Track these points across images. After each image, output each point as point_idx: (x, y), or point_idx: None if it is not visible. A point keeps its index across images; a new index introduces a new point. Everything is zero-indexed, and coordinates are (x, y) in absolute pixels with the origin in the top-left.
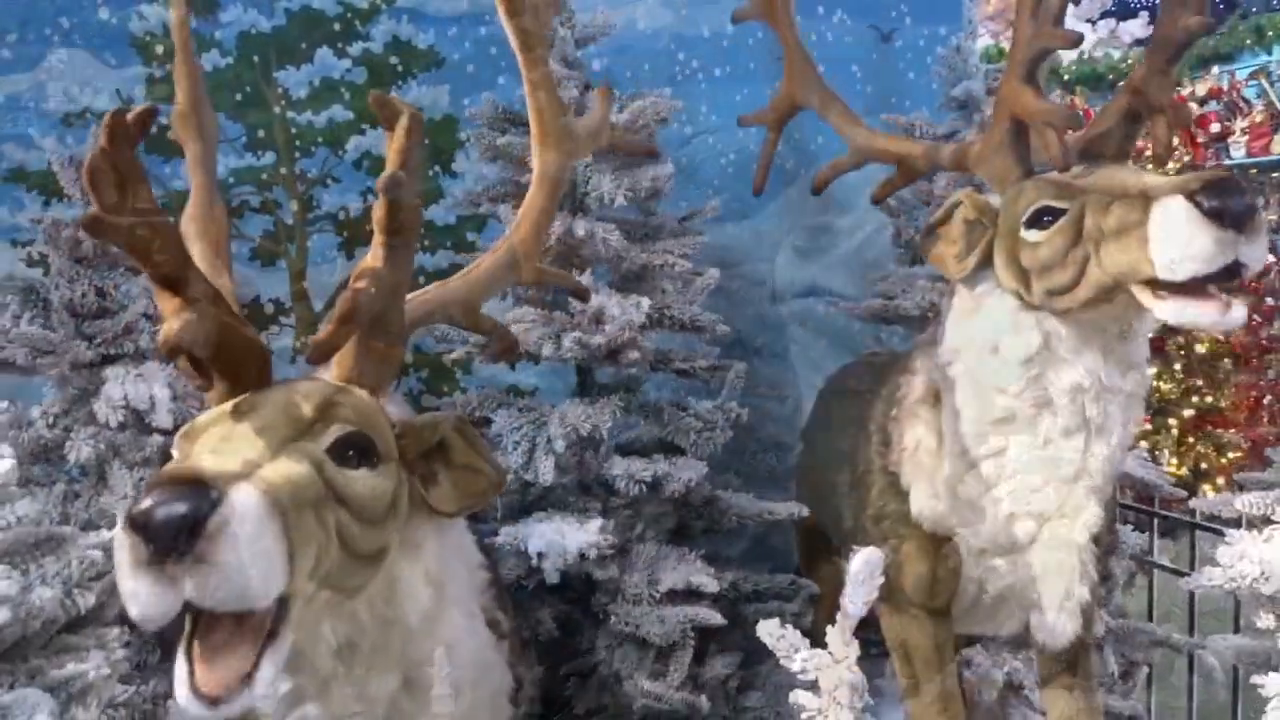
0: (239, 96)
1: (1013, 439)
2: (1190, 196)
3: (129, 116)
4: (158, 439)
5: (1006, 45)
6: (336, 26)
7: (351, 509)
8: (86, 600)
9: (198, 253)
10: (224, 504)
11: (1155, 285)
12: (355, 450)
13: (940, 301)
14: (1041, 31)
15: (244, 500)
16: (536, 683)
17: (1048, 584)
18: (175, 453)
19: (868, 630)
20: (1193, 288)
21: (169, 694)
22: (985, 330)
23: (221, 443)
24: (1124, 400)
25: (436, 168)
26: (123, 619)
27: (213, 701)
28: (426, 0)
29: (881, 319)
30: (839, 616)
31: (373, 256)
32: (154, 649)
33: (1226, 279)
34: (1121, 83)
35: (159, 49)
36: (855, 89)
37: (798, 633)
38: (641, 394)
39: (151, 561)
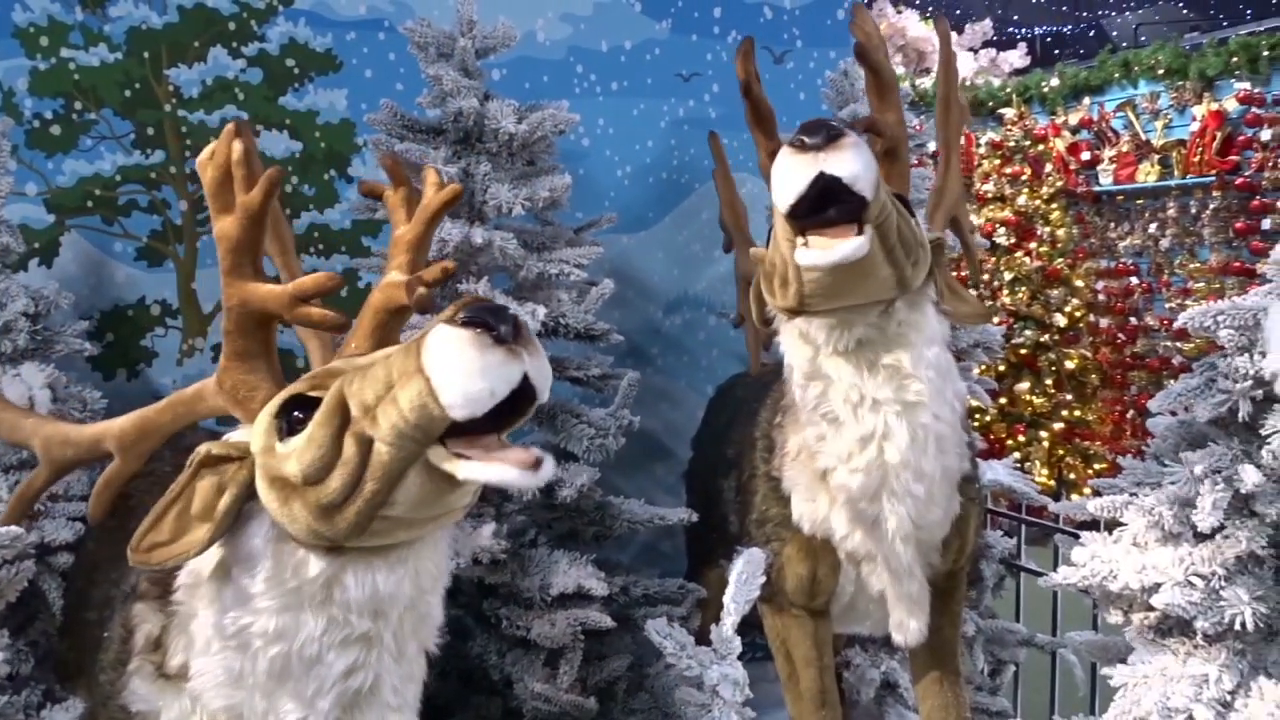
0: (128, 93)
1: (832, 453)
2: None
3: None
4: None
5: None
6: (231, 26)
7: None
8: None
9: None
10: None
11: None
12: None
13: None
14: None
15: None
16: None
17: (892, 585)
18: (316, 392)
19: (753, 634)
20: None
21: (42, 705)
22: (788, 355)
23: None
24: (900, 409)
25: (332, 172)
26: (11, 617)
27: (535, 465)
28: (324, 3)
29: (769, 331)
30: (722, 615)
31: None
32: (27, 658)
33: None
34: (1000, 110)
35: (43, 40)
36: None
37: (684, 631)
38: None
39: (497, 343)
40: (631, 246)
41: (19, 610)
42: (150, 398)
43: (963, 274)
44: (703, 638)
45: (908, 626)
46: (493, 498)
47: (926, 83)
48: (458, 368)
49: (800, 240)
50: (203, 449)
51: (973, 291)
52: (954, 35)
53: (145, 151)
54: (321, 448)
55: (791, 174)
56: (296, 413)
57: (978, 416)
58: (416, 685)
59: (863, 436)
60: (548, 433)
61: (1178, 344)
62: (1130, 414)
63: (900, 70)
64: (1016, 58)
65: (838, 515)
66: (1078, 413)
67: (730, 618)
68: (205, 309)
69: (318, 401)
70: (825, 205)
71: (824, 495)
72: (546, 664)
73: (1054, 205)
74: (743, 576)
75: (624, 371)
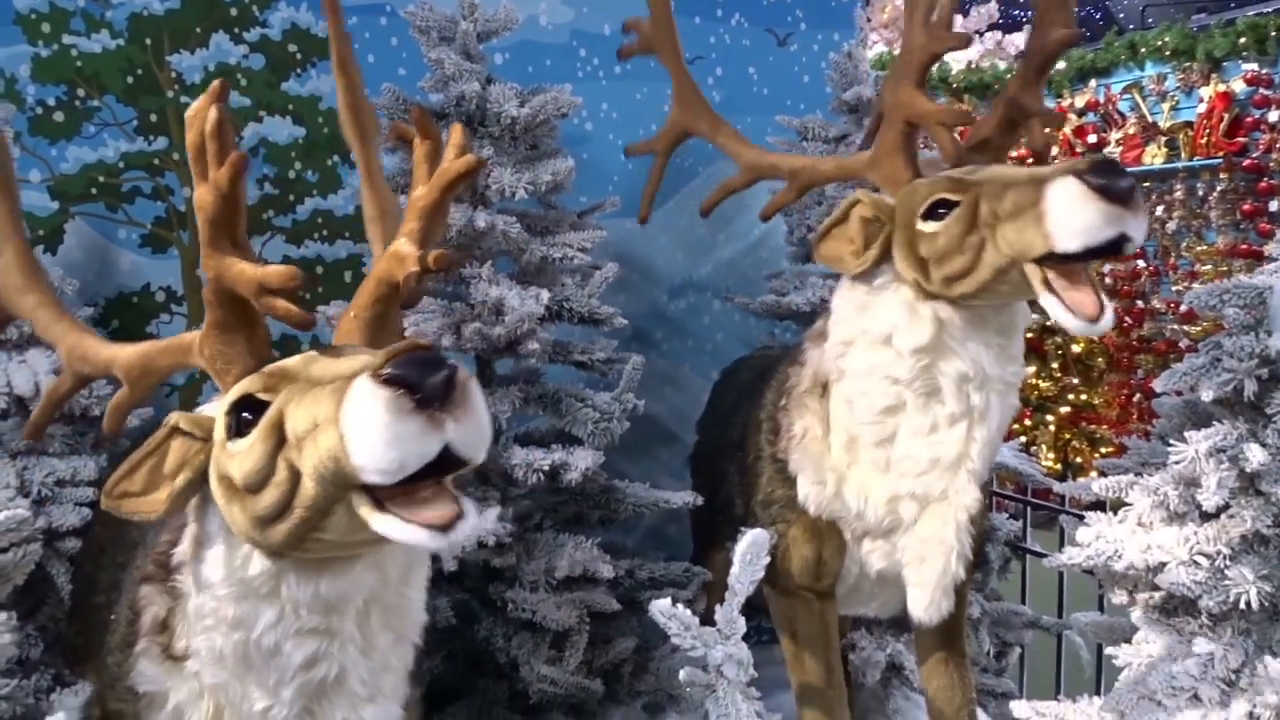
0: (130, 80)
1: (902, 426)
2: (1080, 176)
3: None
4: None
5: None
6: (233, 11)
7: None
8: None
9: (37, 299)
10: (459, 365)
11: (1045, 265)
12: None
13: (831, 297)
14: (934, 35)
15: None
16: (427, 669)
17: (927, 563)
18: (266, 395)
19: (758, 618)
20: (1075, 277)
21: (51, 689)
22: (879, 322)
23: (357, 358)
24: (1003, 390)
25: (335, 157)
26: (20, 601)
27: (445, 529)
28: None
29: (774, 314)
30: (727, 595)
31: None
32: (36, 643)
33: (1114, 252)
34: None
35: (45, 27)
36: (751, 91)
37: (689, 611)
38: (540, 385)
39: (418, 408)
40: (635, 231)
41: (28, 595)
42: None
43: None
44: (708, 620)
45: (940, 606)
46: (497, 482)
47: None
48: (370, 433)
49: (1042, 275)
50: (174, 417)
51: None
52: (959, 19)
53: (148, 138)
54: (258, 462)
55: (1097, 222)
56: (245, 414)
57: None
58: (395, 676)
59: (955, 413)
60: (552, 416)
61: (1185, 327)
62: (1137, 397)
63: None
64: (1021, 40)
65: (878, 492)
66: (1084, 396)
67: (735, 598)
68: None
69: (266, 405)
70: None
71: (832, 477)
72: (552, 646)
73: None
74: (747, 557)
75: (628, 356)
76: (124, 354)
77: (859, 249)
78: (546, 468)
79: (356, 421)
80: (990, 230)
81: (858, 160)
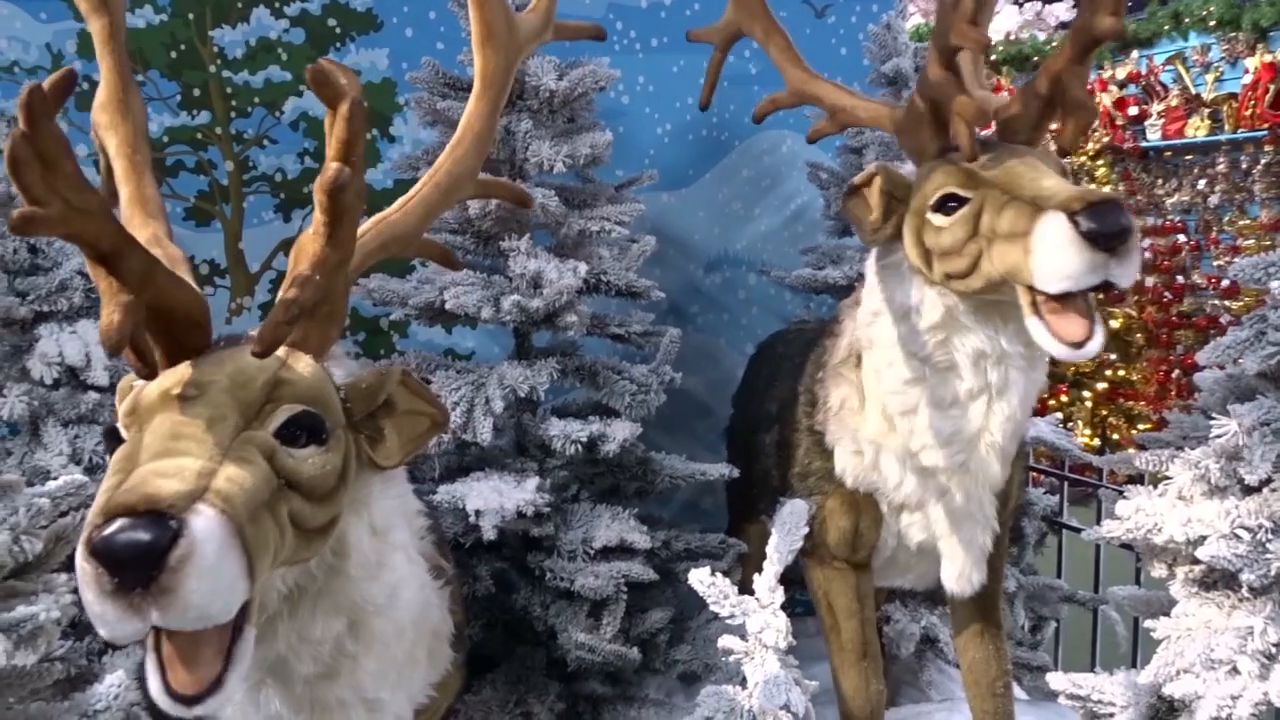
0: (174, 55)
1: (924, 398)
2: (1072, 216)
3: (46, 86)
4: (93, 396)
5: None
6: None
7: (303, 491)
8: (34, 547)
9: (112, 148)
10: (185, 534)
11: (1034, 291)
12: (304, 430)
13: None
14: (957, 28)
15: (204, 528)
16: (469, 635)
17: (956, 535)
18: (123, 429)
19: (794, 589)
20: (1067, 299)
21: (103, 651)
22: (900, 294)
23: (171, 441)
24: (1024, 365)
25: (374, 132)
26: (68, 567)
27: (189, 702)
28: None
29: (810, 288)
30: (765, 564)
31: (315, 234)
32: None
33: (1099, 290)
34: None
35: None
36: None
37: (727, 580)
38: (578, 357)
39: (116, 591)
40: (671, 204)
41: None
42: None
43: None
44: (743, 592)
45: (970, 578)
46: (535, 454)
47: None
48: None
49: (1030, 299)
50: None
51: None
52: None
53: (191, 113)
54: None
55: (1077, 271)
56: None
57: None
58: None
59: (974, 389)
60: (590, 389)
61: (1226, 302)
62: (1176, 373)
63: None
64: (1063, 10)
65: (907, 463)
66: (1121, 372)
67: (773, 566)
68: (252, 268)
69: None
70: None
71: (870, 448)
72: (590, 615)
73: (1099, 162)
74: (786, 527)
75: (665, 329)
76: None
77: (878, 219)
78: (584, 439)
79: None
80: (988, 243)
81: (888, 116)
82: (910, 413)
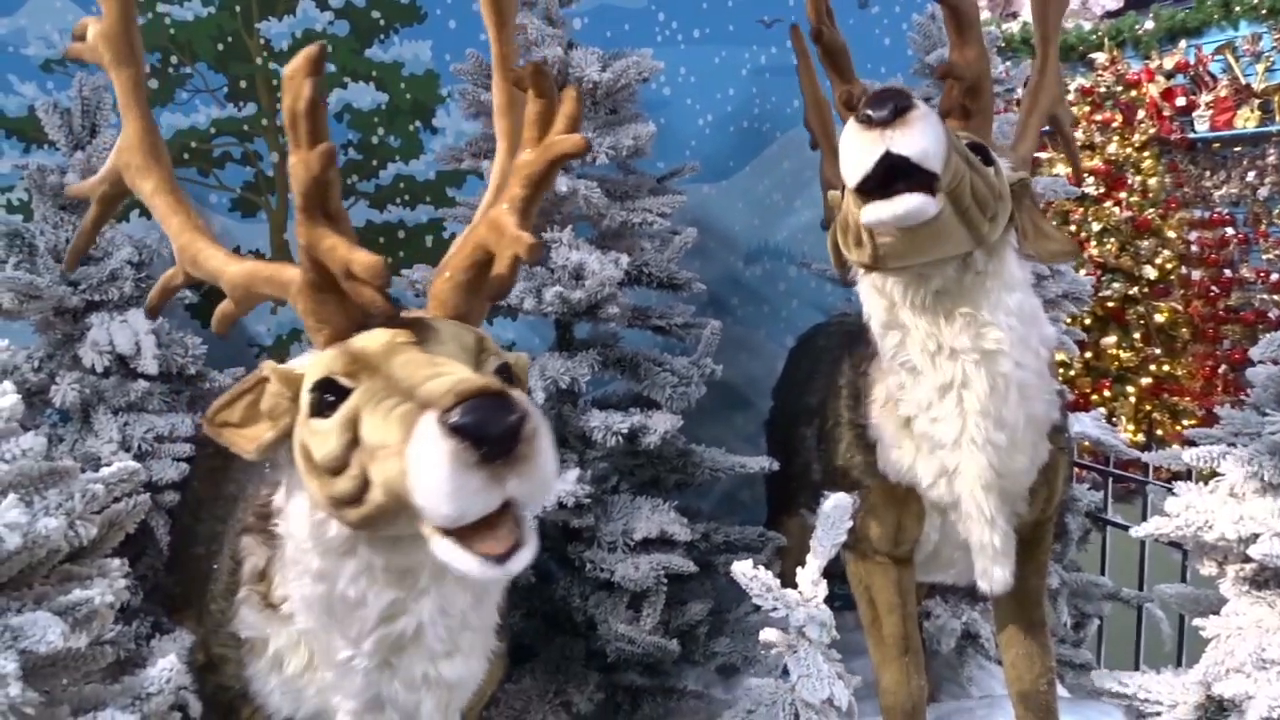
0: (220, 47)
1: (914, 400)
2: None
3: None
4: (142, 384)
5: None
6: None
7: None
8: (89, 531)
9: (149, 188)
10: (529, 411)
11: None
12: (506, 382)
13: None
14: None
15: (534, 407)
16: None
17: (969, 533)
18: (344, 380)
19: (834, 584)
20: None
21: (151, 635)
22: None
23: (437, 365)
24: (980, 359)
25: (418, 123)
26: (121, 552)
27: (500, 559)
28: None
29: (850, 282)
30: (808, 558)
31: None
32: (137, 591)
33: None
34: (1091, 54)
35: None
36: None
37: (769, 573)
38: (619, 349)
39: (481, 463)
40: (712, 196)
41: (128, 545)
42: (245, 344)
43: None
44: (784, 583)
45: (992, 574)
46: (576, 445)
47: (1014, 27)
48: (432, 481)
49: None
50: (266, 368)
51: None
52: None
53: (238, 104)
54: (334, 451)
55: (858, 152)
56: (328, 395)
57: (1061, 370)
58: (475, 633)
59: (941, 385)
60: (630, 380)
61: (1275, 297)
62: (1222, 369)
63: (985, 15)
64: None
65: (923, 463)
66: (1166, 367)
67: (816, 560)
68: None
69: (349, 391)
70: (894, 178)
71: (909, 443)
72: (629, 606)
73: (1146, 153)
74: (830, 520)
75: (706, 321)
76: (231, 269)
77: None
78: (625, 431)
79: (420, 465)
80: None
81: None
82: (913, 417)
